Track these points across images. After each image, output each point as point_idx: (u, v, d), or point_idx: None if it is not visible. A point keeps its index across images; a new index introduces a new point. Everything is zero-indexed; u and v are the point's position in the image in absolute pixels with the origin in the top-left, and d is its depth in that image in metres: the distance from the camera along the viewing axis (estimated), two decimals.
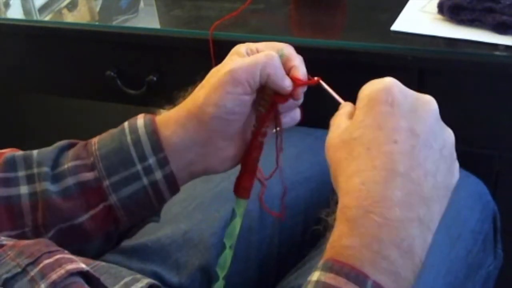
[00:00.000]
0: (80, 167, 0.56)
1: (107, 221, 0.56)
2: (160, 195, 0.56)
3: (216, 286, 0.59)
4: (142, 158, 0.55)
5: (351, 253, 0.42)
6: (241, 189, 0.59)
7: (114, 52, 1.01)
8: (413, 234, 0.43)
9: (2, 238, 0.42)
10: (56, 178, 0.56)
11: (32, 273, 0.39)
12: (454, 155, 0.47)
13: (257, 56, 0.54)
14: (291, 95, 0.55)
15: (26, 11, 1.08)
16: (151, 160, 0.55)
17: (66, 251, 0.42)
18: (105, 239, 0.57)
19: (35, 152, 0.58)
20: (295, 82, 0.55)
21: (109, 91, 1.03)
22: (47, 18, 1.06)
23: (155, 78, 0.98)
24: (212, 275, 0.67)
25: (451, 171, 0.46)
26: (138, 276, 0.48)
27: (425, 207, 0.43)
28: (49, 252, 0.41)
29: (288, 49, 0.56)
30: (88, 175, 0.55)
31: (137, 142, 0.55)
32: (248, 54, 0.56)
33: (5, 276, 0.38)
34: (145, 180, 0.55)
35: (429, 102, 0.46)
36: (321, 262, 0.44)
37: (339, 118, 0.49)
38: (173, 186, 0.56)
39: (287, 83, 0.54)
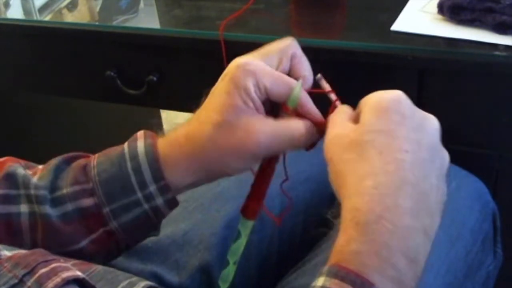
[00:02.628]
0: (79, 193, 0.55)
1: (108, 244, 0.56)
2: (160, 215, 0.56)
3: None
4: (143, 186, 0.54)
5: (359, 259, 0.42)
6: (249, 211, 0.58)
7: (114, 52, 1.01)
8: (419, 243, 0.43)
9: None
10: (55, 202, 0.55)
11: (28, 283, 0.39)
12: (444, 175, 0.48)
13: (281, 135, 0.52)
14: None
15: (26, 11, 1.08)
16: (152, 188, 0.54)
17: (62, 260, 0.42)
18: (106, 258, 0.57)
19: (30, 173, 0.57)
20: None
21: (109, 91, 1.03)
22: (47, 18, 1.07)
23: (155, 78, 0.98)
24: (213, 276, 0.67)
25: (444, 189, 0.47)
26: (134, 279, 0.48)
27: (430, 218, 0.44)
28: (45, 261, 0.41)
29: (301, 93, 0.53)
30: (88, 201, 0.55)
31: (137, 169, 0.54)
32: (256, 94, 0.52)
33: None
34: (146, 206, 0.55)
35: (434, 121, 0.48)
36: (326, 267, 0.43)
37: (341, 117, 0.50)
38: (174, 205, 0.56)
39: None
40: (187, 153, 0.54)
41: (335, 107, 0.53)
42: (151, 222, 0.56)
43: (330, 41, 0.85)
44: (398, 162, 0.44)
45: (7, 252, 0.42)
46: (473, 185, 0.77)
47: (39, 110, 1.55)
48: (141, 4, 1.07)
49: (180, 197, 0.73)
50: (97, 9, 1.07)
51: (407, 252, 0.43)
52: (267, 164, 0.57)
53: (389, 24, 0.84)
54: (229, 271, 0.59)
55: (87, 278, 0.41)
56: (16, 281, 0.39)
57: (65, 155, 0.58)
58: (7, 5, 1.10)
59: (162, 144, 0.55)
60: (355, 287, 0.41)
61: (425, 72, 0.82)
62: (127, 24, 1.00)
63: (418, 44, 0.80)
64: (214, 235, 0.69)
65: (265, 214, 0.72)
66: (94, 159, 0.56)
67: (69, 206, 0.55)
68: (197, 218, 0.71)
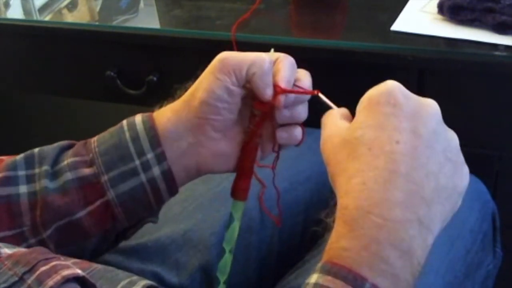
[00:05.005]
0: (79, 163, 0.56)
1: (105, 218, 0.56)
2: (158, 193, 0.56)
3: None
4: (140, 153, 0.55)
5: (349, 255, 0.42)
6: (238, 191, 0.59)
7: (114, 52, 1.01)
8: (412, 235, 0.43)
9: (0, 244, 0.43)
10: (55, 174, 0.56)
11: (29, 281, 0.39)
12: (461, 158, 0.47)
13: (249, 53, 0.55)
14: (273, 102, 0.55)
15: (26, 11, 1.08)
16: (149, 156, 0.55)
17: (62, 258, 0.42)
18: (103, 237, 0.57)
19: (36, 150, 0.58)
20: (275, 88, 0.55)
21: (109, 91, 1.03)
22: (47, 18, 1.07)
23: (155, 78, 0.98)
24: (213, 276, 0.67)
25: (458, 173, 0.46)
26: (135, 278, 0.48)
27: (425, 207, 0.43)
28: (45, 259, 0.41)
29: (283, 58, 0.56)
30: (87, 171, 0.56)
31: (135, 138, 0.56)
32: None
33: (2, 286, 0.38)
34: (143, 177, 0.55)
35: (431, 105, 0.46)
36: (319, 265, 0.44)
37: (333, 118, 0.50)
38: (171, 184, 0.56)
39: (268, 91, 0.54)
40: (179, 116, 0.56)
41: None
42: (148, 199, 0.56)
43: (330, 41, 0.85)
44: (387, 155, 0.44)
45: (7, 250, 0.42)
46: (472, 185, 0.76)
47: (39, 110, 1.55)
48: (141, 4, 1.07)
49: (180, 197, 0.73)
50: (97, 9, 1.07)
51: (400, 245, 0.42)
52: (249, 139, 0.57)
53: (389, 24, 0.84)
54: (226, 261, 0.59)
55: (87, 277, 0.41)
56: (16, 279, 0.39)
57: (71, 141, 0.60)
58: (7, 5, 1.11)
59: (159, 111, 0.58)
60: (348, 283, 0.41)
61: (425, 72, 0.82)
62: (127, 24, 1.00)
63: (418, 44, 0.80)
64: (214, 235, 0.69)
65: (264, 214, 0.72)
66: (95, 137, 0.59)
67: (68, 176, 0.56)
68: (197, 218, 0.71)
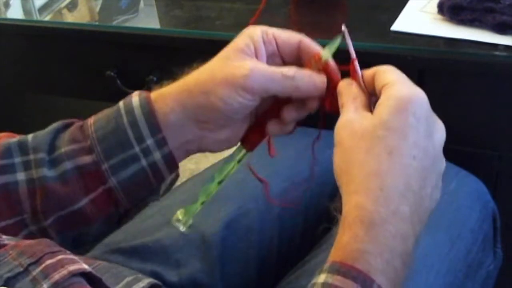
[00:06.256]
0: (77, 151, 0.55)
1: (107, 204, 0.55)
2: (159, 175, 0.56)
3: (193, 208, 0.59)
4: (140, 140, 0.54)
5: (366, 258, 0.43)
6: (248, 141, 0.59)
7: (114, 52, 1.01)
8: (411, 250, 0.45)
9: (4, 237, 0.42)
10: (53, 163, 0.55)
11: (34, 273, 0.39)
12: (440, 183, 0.49)
13: (275, 73, 0.53)
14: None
15: (26, 11, 1.08)
16: (149, 142, 0.54)
17: (68, 252, 0.42)
18: (106, 222, 0.57)
19: (29, 137, 0.57)
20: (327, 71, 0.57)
21: (109, 91, 1.03)
22: (47, 18, 1.07)
23: (155, 78, 0.98)
24: (213, 275, 0.67)
25: (436, 197, 0.48)
26: (140, 275, 0.49)
27: (421, 225, 0.46)
28: (52, 252, 0.41)
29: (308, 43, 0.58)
30: (86, 159, 0.55)
31: (133, 123, 0.54)
32: (264, 40, 0.55)
33: (7, 275, 0.38)
34: (143, 162, 0.55)
35: (442, 130, 0.48)
36: (327, 265, 0.44)
37: (354, 103, 0.50)
38: (172, 164, 0.56)
39: (314, 92, 0.55)
40: (178, 86, 0.55)
41: (353, 67, 0.55)
42: (149, 181, 0.56)
43: (330, 41, 0.85)
44: (405, 167, 0.45)
45: (11, 241, 0.42)
46: (473, 185, 0.77)
47: (39, 110, 1.55)
48: (141, 4, 1.07)
49: (181, 197, 0.73)
50: (97, 9, 1.07)
51: (405, 256, 0.44)
52: (274, 104, 0.57)
53: (389, 24, 0.84)
54: (211, 188, 0.59)
55: (93, 271, 0.41)
56: (21, 269, 0.39)
57: (64, 120, 0.58)
58: (7, 5, 1.10)
59: (158, 96, 0.56)
60: (357, 283, 0.42)
61: (425, 72, 0.82)
62: (127, 24, 1.00)
63: (418, 44, 0.80)
64: (214, 235, 0.69)
65: (264, 215, 0.72)
66: (91, 119, 0.57)
67: (67, 165, 0.54)
68: (197, 218, 0.71)
